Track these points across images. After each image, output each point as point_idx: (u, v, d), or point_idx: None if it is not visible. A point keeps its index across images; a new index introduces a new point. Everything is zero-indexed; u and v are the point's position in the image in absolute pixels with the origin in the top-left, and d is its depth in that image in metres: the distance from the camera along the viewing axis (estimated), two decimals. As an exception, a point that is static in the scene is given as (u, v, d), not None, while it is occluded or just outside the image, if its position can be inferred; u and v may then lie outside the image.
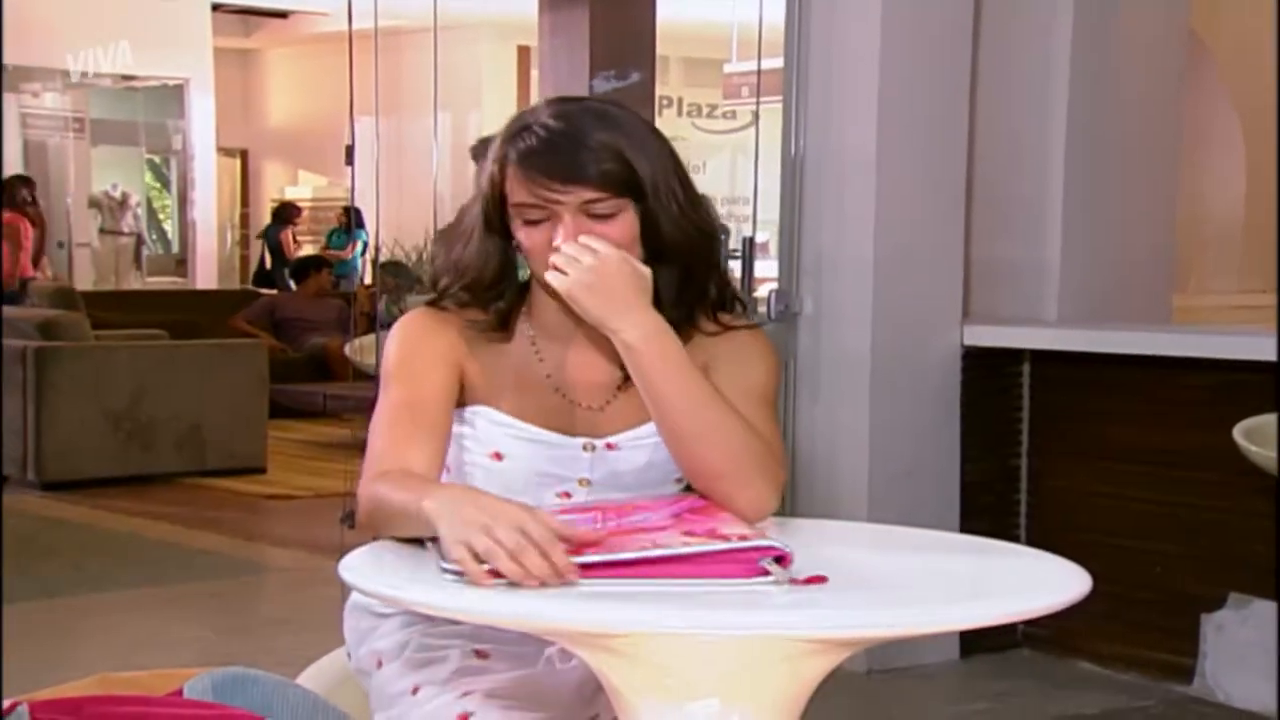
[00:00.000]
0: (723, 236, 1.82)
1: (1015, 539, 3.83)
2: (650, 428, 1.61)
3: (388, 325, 1.96)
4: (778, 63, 4.00)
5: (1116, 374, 3.77)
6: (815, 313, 3.86)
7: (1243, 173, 7.16)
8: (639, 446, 1.64)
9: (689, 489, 1.65)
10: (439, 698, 1.56)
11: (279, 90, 14.27)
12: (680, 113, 12.60)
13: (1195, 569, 3.63)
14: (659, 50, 6.08)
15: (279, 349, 8.35)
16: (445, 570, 1.32)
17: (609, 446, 1.64)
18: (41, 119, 12.79)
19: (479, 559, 1.30)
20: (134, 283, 12.89)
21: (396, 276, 8.45)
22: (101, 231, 13.21)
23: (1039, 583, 1.41)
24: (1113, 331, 3.84)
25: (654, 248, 1.59)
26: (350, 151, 5.18)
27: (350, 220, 10.89)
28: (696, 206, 1.63)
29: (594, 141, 1.55)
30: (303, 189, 14.22)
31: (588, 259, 1.52)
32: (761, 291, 4.01)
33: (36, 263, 10.03)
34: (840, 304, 3.83)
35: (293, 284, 9.91)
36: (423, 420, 1.59)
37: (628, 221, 1.57)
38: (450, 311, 1.66)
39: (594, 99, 1.67)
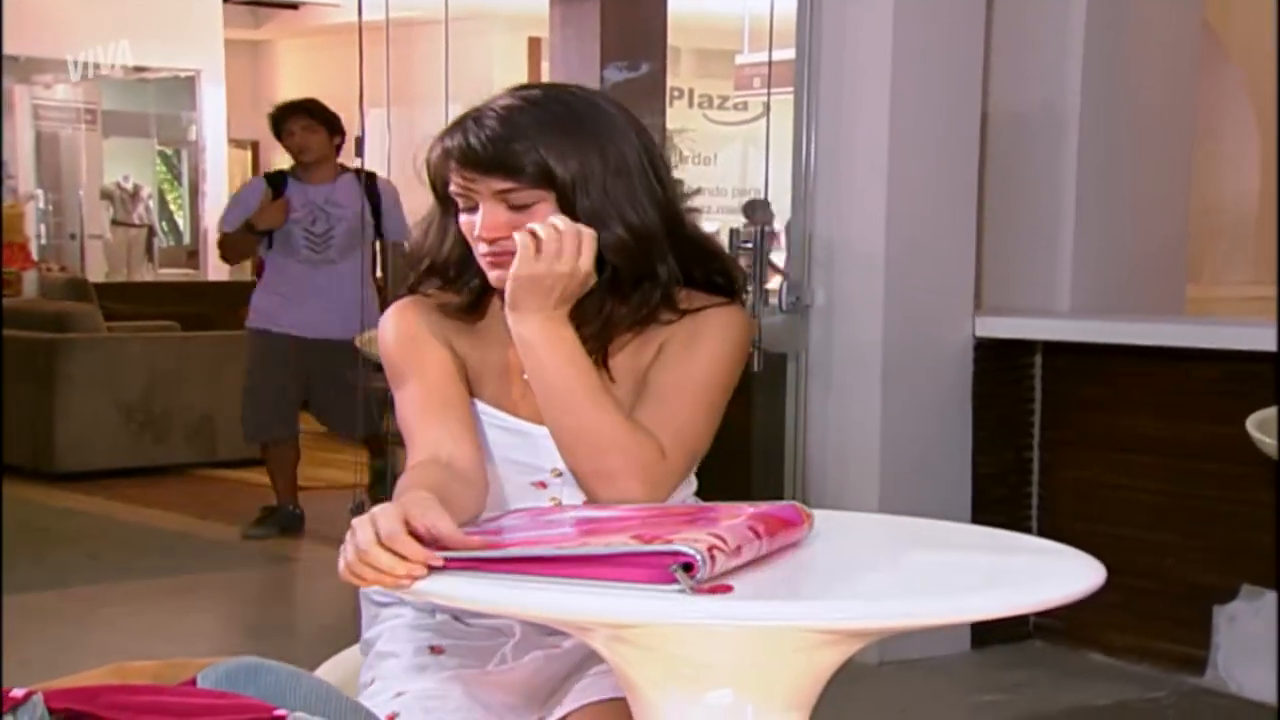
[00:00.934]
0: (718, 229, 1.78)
1: (1027, 530, 3.83)
2: None
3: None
4: (789, 54, 3.99)
5: (1129, 365, 3.76)
6: (827, 304, 3.86)
7: (1256, 163, 7.13)
8: None
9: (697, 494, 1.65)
10: (379, 695, 1.58)
11: (290, 82, 14.27)
12: (691, 104, 12.57)
13: (1207, 560, 3.62)
14: (670, 41, 6.06)
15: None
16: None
17: None
18: (53, 110, 12.81)
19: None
20: (146, 274, 12.91)
21: (408, 267, 8.46)
22: (113, 223, 13.24)
23: (1053, 574, 1.41)
24: (1125, 323, 3.83)
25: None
26: (360, 143, 5.25)
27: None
28: (642, 199, 1.57)
29: (515, 132, 1.54)
30: (314, 180, 14.22)
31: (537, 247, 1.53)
32: (773, 283, 4.01)
33: None
34: (852, 295, 3.82)
35: None
36: (444, 399, 1.60)
37: (546, 212, 1.55)
38: (430, 297, 1.67)
39: (561, 86, 1.63)
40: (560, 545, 1.31)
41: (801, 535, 1.45)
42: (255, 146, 14.81)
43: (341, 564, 1.33)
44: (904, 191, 3.76)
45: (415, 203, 1.78)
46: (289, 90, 14.27)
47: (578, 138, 1.55)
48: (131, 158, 13.86)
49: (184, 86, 13.12)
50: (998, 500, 3.91)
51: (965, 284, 3.88)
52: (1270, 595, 3.50)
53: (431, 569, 1.28)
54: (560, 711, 1.56)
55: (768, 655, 1.30)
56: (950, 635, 3.75)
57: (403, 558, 1.28)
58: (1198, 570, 3.64)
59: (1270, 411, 2.88)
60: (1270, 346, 3.35)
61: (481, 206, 1.57)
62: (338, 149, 5.19)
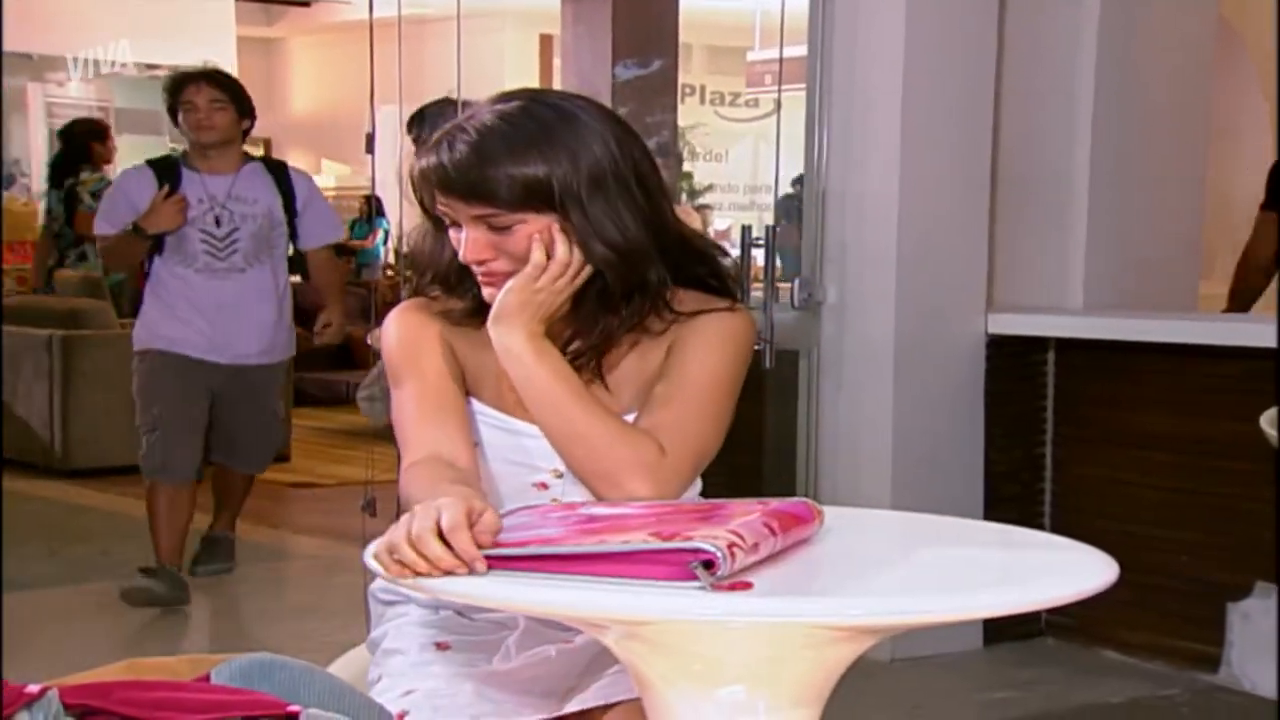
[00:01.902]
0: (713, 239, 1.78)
1: (1040, 527, 3.82)
2: (624, 418, 1.61)
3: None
4: (801, 50, 3.99)
5: (1142, 362, 3.75)
6: (839, 301, 3.86)
7: (1271, 160, 7.09)
8: None
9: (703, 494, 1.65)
10: (388, 693, 1.59)
11: (302, 79, 14.29)
12: (703, 101, 12.56)
13: (1221, 557, 3.61)
14: (682, 38, 6.07)
15: (302, 336, 8.36)
16: (370, 565, 1.34)
17: None
18: (67, 108, 12.83)
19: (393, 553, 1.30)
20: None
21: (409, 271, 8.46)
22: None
23: (1065, 571, 1.41)
24: (1138, 319, 3.82)
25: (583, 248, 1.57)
26: (371, 140, 5.13)
27: (371, 209, 10.90)
28: (623, 212, 1.57)
29: (488, 157, 1.54)
30: (326, 178, 14.22)
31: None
32: (785, 281, 4.00)
33: None
34: (864, 292, 3.82)
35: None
36: (440, 402, 1.62)
37: (529, 233, 1.56)
38: (433, 301, 1.68)
39: (537, 96, 1.61)
40: (577, 543, 1.32)
41: (812, 532, 1.45)
42: (268, 144, 14.83)
43: (381, 546, 1.32)
44: (916, 188, 3.76)
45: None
46: (302, 88, 14.31)
47: (551, 156, 1.55)
48: (144, 155, 13.89)
49: (196, 84, 13.13)
50: (1010, 497, 3.90)
51: (977, 281, 3.88)
52: (1284, 593, 3.49)
53: (473, 571, 1.28)
54: (579, 708, 1.56)
55: (781, 651, 1.30)
56: (962, 632, 3.75)
57: (449, 551, 1.28)
58: (1211, 567, 3.63)
59: (1284, 408, 2.88)
60: (1284, 343, 3.34)
61: (464, 230, 1.58)
62: (245, 134, 4.37)
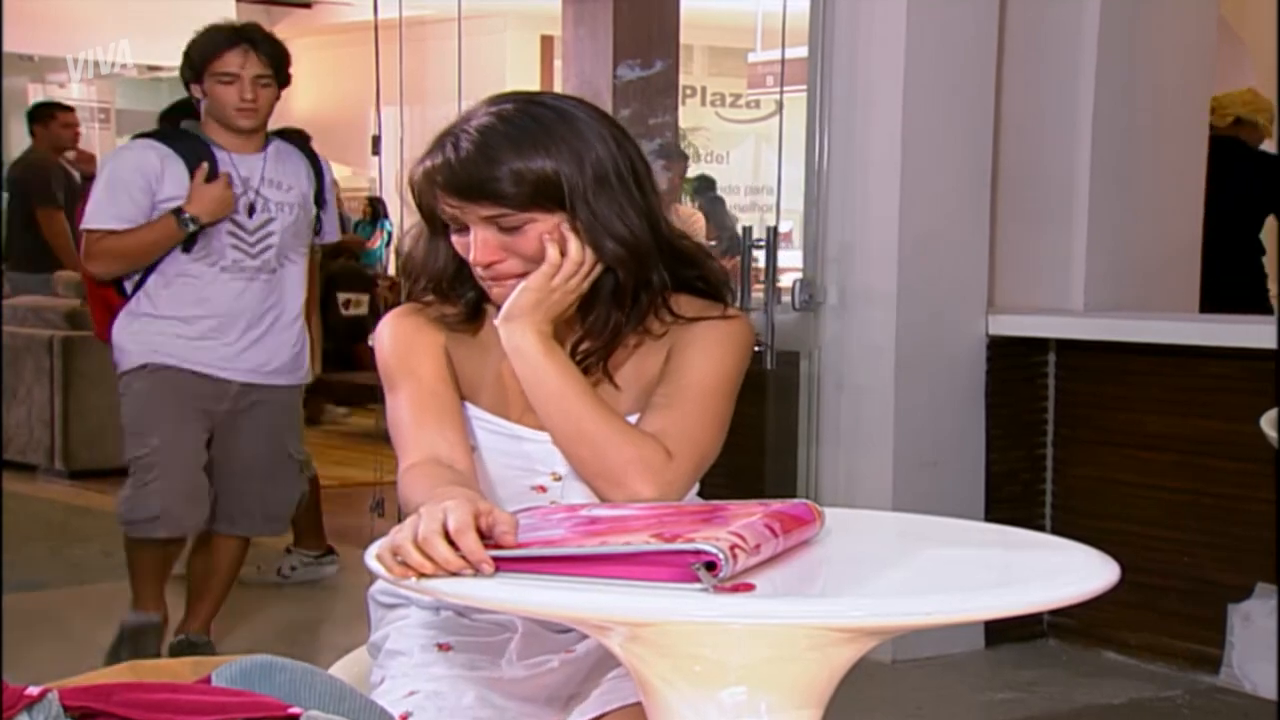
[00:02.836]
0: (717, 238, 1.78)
1: (1041, 528, 3.82)
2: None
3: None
4: (802, 52, 3.99)
5: (1143, 363, 3.75)
6: (840, 302, 3.86)
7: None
8: None
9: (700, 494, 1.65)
10: (391, 694, 1.59)
11: (303, 80, 14.27)
12: (704, 102, 12.57)
13: (1222, 558, 3.61)
14: (683, 39, 6.07)
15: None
16: (371, 567, 1.34)
17: None
18: (68, 110, 12.84)
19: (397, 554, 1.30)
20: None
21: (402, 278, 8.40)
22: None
23: (1067, 572, 1.41)
24: (1139, 320, 3.82)
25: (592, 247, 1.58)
26: (377, 141, 5.07)
27: (375, 211, 10.91)
28: (627, 209, 1.58)
29: (494, 157, 1.54)
30: (327, 179, 14.25)
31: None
32: (786, 281, 4.01)
33: None
34: (865, 293, 3.82)
35: None
36: (436, 405, 1.62)
37: (539, 232, 1.56)
38: (429, 306, 1.68)
39: (533, 97, 1.62)
40: (580, 545, 1.32)
41: (813, 533, 1.45)
42: (269, 145, 14.83)
43: (384, 548, 1.31)
44: (917, 189, 3.76)
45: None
46: (303, 88, 14.31)
47: (556, 154, 1.56)
48: (145, 157, 13.90)
49: (198, 85, 13.15)
50: (1011, 498, 3.91)
51: (978, 282, 3.88)
52: (1285, 594, 3.49)
53: (479, 573, 1.28)
54: (580, 718, 1.57)
55: (783, 653, 1.30)
56: (964, 633, 3.75)
57: (456, 552, 1.27)
58: (1212, 568, 3.63)
59: (1285, 409, 2.88)
60: (1285, 344, 3.34)
61: (473, 231, 1.58)
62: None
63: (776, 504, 1.43)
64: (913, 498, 3.68)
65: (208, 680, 1.27)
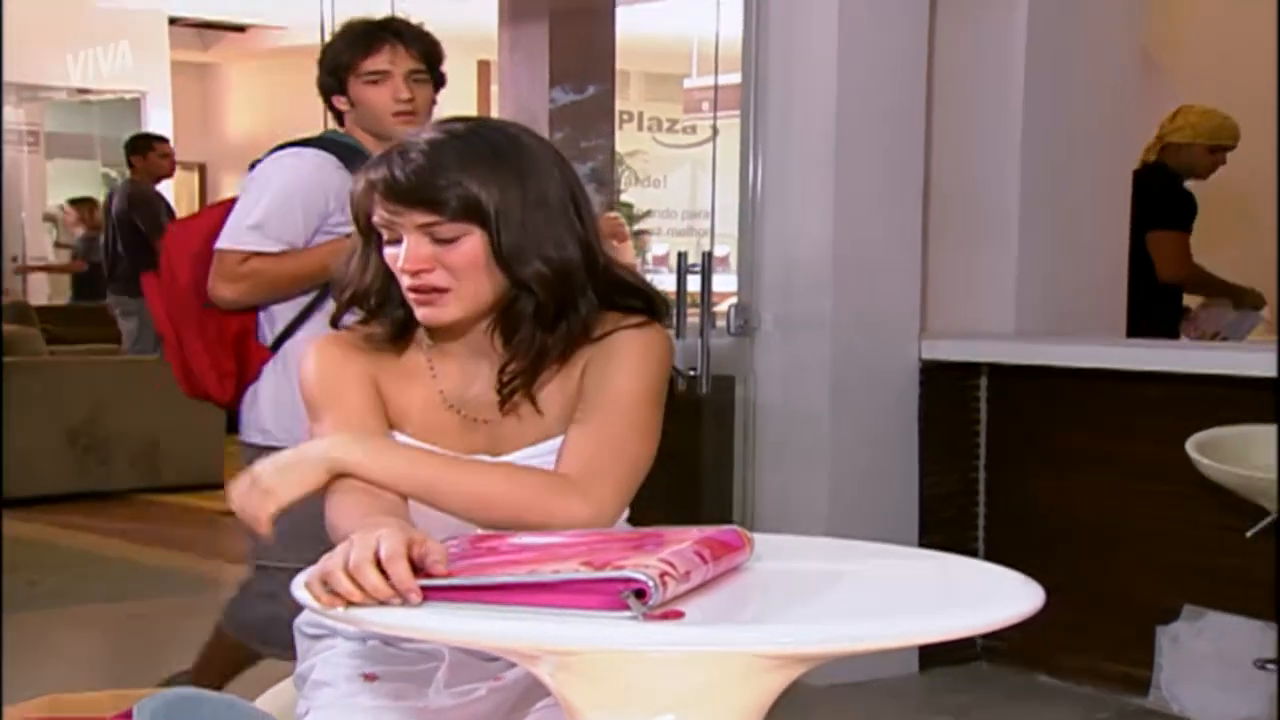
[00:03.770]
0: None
1: (974, 552, 3.85)
2: (550, 444, 1.61)
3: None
4: (736, 78, 4.02)
5: (1073, 387, 3.79)
6: (775, 327, 3.87)
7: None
8: (540, 463, 1.61)
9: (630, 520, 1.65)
10: None
11: (237, 104, 14.19)
12: (641, 127, 12.61)
13: (1151, 581, 3.65)
14: (619, 65, 6.10)
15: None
16: (298, 597, 1.32)
17: None
18: (-5, 132, 12.67)
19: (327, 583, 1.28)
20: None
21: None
22: (56, 246, 13.09)
23: (993, 596, 1.41)
24: (1069, 345, 3.87)
25: (509, 272, 1.57)
26: None
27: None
28: (562, 234, 1.58)
29: (439, 166, 1.54)
30: (262, 203, 14.11)
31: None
32: (721, 306, 4.02)
33: None
34: (799, 318, 3.84)
35: None
36: (363, 432, 1.60)
37: (471, 246, 1.56)
38: (353, 332, 1.66)
39: (483, 121, 1.63)
40: (509, 572, 1.30)
41: (743, 559, 1.45)
42: (202, 169, 14.71)
43: (313, 576, 1.30)
44: (849, 215, 3.79)
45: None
46: (237, 113, 14.21)
47: (500, 172, 1.56)
48: (75, 180, 13.72)
49: (129, 108, 13.00)
50: (945, 521, 3.93)
51: (911, 306, 3.91)
52: (1212, 615, 3.53)
53: (407, 602, 1.26)
54: None
55: (714, 680, 1.30)
56: (898, 657, 3.76)
57: (387, 580, 1.26)
58: (1142, 590, 3.67)
59: (1211, 434, 2.92)
60: (1212, 368, 3.40)
61: (405, 239, 1.57)
62: None
63: (707, 530, 1.43)
64: (848, 522, 3.70)
65: (128, 716, 1.24)
